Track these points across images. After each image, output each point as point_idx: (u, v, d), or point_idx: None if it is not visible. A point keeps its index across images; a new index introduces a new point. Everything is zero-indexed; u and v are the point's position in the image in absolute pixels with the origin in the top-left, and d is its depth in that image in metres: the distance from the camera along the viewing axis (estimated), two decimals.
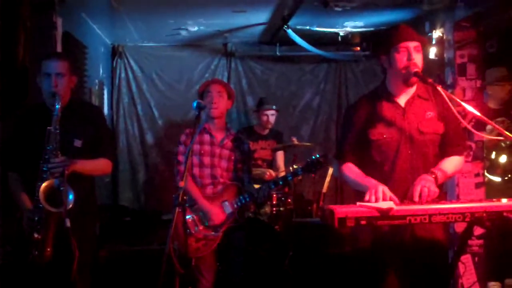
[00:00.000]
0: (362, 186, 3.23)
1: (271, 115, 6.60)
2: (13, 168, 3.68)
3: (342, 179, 3.54)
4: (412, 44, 3.26)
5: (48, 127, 3.47)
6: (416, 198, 3.07)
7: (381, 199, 3.03)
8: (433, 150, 3.36)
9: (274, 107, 6.66)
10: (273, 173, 6.34)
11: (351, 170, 3.41)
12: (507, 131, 5.22)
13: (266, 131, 6.65)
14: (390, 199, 3.03)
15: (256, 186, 4.69)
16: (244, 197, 4.44)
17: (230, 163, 4.55)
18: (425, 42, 3.41)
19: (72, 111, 3.67)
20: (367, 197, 3.07)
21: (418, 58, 3.26)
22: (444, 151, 3.37)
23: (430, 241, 3.25)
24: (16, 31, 4.40)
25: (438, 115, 3.35)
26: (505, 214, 2.90)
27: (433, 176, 3.17)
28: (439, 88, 3.15)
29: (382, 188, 3.08)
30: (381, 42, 3.48)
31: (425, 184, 3.11)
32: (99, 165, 3.79)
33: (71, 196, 3.40)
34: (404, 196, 3.15)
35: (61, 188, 3.39)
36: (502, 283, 5.45)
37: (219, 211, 4.39)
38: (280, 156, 6.66)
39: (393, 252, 3.20)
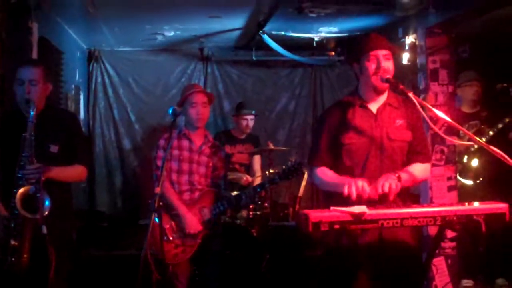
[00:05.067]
0: (339, 186, 3.24)
1: (250, 120, 6.65)
2: None
3: (316, 183, 3.57)
4: (382, 53, 3.33)
5: (23, 134, 3.47)
6: (379, 190, 3.15)
7: (361, 189, 3.11)
8: (401, 158, 3.43)
9: (253, 111, 6.71)
10: (250, 178, 6.39)
11: (326, 173, 3.45)
12: (479, 133, 5.43)
13: (244, 135, 6.70)
14: (369, 195, 3.12)
15: (234, 193, 4.72)
16: (222, 203, 4.46)
17: (208, 170, 4.58)
18: (396, 50, 3.48)
19: (47, 118, 3.67)
20: (346, 190, 3.13)
21: (388, 66, 3.34)
22: (409, 159, 3.45)
23: (398, 243, 3.30)
24: None
25: (407, 124, 3.44)
26: (475, 217, 2.96)
27: (396, 175, 3.24)
28: (411, 94, 3.22)
29: (361, 182, 3.14)
30: (352, 50, 3.54)
31: (387, 179, 3.19)
32: (75, 172, 3.79)
33: (47, 203, 3.41)
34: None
35: (37, 195, 3.40)
36: (474, 280, 5.58)
37: (196, 221, 4.40)
38: (257, 160, 6.71)
39: (363, 255, 3.25)
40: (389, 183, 3.17)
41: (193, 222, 4.37)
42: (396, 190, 3.18)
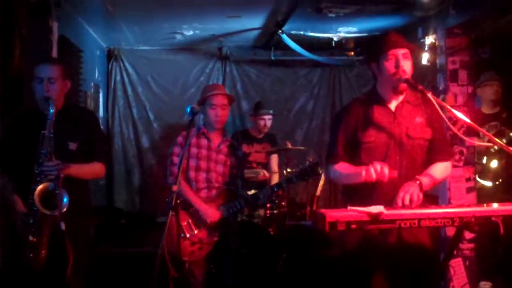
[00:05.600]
0: (357, 175, 3.20)
1: (268, 120, 6.65)
2: (6, 171, 3.67)
3: (334, 178, 3.55)
4: (401, 52, 3.30)
5: (42, 131, 3.48)
6: (400, 204, 3.11)
7: (380, 172, 3.08)
8: (421, 156, 3.39)
9: (271, 111, 6.71)
10: (267, 174, 6.41)
11: (343, 166, 3.42)
12: (499, 134, 5.38)
13: (261, 135, 6.70)
14: (389, 173, 3.08)
15: (251, 191, 4.73)
16: (239, 202, 4.47)
17: (226, 168, 4.59)
18: (414, 49, 3.44)
19: (66, 115, 3.69)
20: (364, 173, 3.10)
21: (406, 65, 3.30)
22: (430, 157, 3.41)
23: (416, 244, 3.28)
24: (12, 36, 4.42)
25: (426, 121, 3.40)
26: (493, 218, 2.92)
27: (418, 182, 3.20)
28: (429, 94, 3.20)
29: (380, 165, 3.11)
30: (370, 49, 3.51)
31: (409, 190, 3.15)
32: (93, 169, 3.81)
33: (65, 199, 3.43)
34: (392, 199, 3.18)
35: (56, 192, 3.42)
36: (493, 283, 5.53)
37: (214, 210, 4.42)
38: (274, 159, 6.70)
39: (380, 255, 3.23)
40: (410, 195, 3.13)
41: (210, 212, 4.39)
42: (418, 201, 3.14)
